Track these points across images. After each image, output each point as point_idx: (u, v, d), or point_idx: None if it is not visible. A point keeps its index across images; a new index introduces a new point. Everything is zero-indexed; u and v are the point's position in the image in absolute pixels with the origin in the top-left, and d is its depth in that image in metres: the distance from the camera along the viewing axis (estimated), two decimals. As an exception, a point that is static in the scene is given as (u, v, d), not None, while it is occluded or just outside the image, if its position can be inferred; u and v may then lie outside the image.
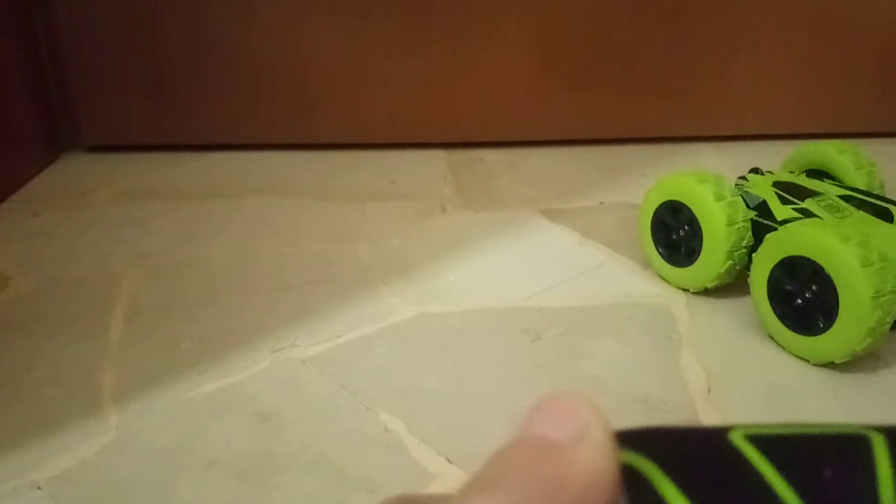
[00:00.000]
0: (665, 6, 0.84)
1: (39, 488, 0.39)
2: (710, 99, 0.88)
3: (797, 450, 0.12)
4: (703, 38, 0.86)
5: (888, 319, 0.44)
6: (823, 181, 0.61)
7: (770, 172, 0.63)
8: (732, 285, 0.57)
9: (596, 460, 0.11)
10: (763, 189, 0.56)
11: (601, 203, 0.75)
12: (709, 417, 0.44)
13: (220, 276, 0.60)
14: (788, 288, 0.48)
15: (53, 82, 0.84)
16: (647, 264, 0.61)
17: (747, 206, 0.54)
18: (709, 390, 0.46)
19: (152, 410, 0.45)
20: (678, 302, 0.56)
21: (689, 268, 0.56)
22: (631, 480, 0.12)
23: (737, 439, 0.12)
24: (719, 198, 0.53)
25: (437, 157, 0.87)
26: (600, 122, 0.89)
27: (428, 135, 0.89)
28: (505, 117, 0.89)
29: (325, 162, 0.85)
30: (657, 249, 0.59)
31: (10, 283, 0.59)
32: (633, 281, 0.60)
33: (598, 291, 0.58)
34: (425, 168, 0.84)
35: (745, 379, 0.47)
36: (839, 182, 0.62)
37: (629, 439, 0.12)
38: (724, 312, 0.55)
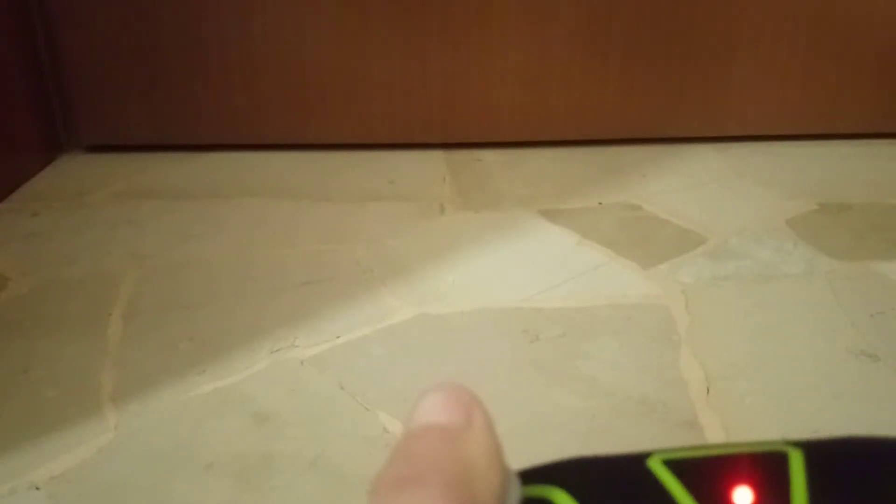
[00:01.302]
0: (664, 7, 0.84)
1: (38, 489, 0.39)
2: (709, 99, 0.88)
3: (712, 470, 0.12)
4: (702, 40, 0.86)
5: None
6: None
7: None
8: (732, 287, 0.57)
9: (488, 440, 0.12)
10: None
11: (600, 203, 0.75)
12: (708, 418, 0.44)
13: (219, 276, 0.60)
14: None
15: (52, 83, 0.84)
16: (646, 265, 0.61)
17: None
18: (708, 391, 0.46)
19: (151, 411, 0.45)
20: (677, 303, 0.56)
21: None
22: None
23: (654, 464, 0.12)
24: None
25: (435, 157, 0.87)
26: (599, 122, 0.89)
27: (427, 135, 0.89)
28: (504, 118, 0.89)
29: (323, 162, 0.85)
30: None
31: (9, 283, 0.59)
32: (633, 281, 0.60)
33: (597, 292, 0.58)
34: (424, 168, 0.84)
35: (744, 380, 0.47)
36: None
37: (539, 473, 0.13)
38: (723, 314, 0.55)
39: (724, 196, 0.76)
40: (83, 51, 0.82)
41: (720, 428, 0.43)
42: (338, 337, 0.52)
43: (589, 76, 0.87)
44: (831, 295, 0.56)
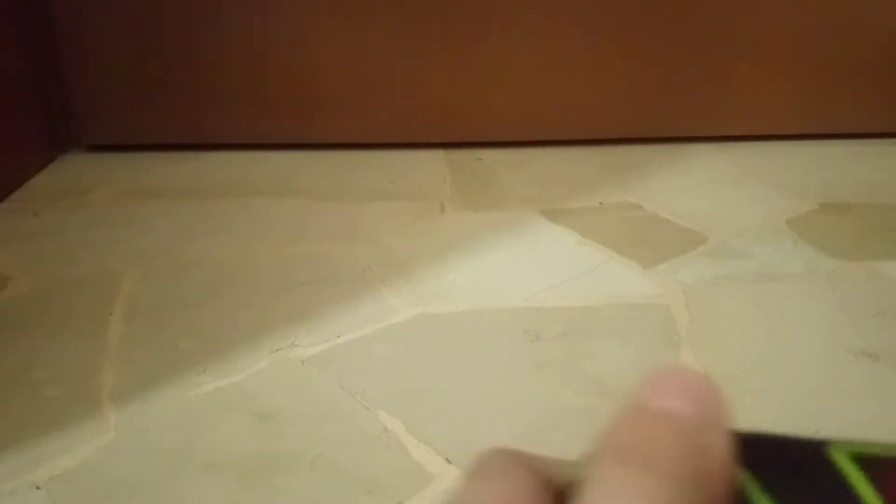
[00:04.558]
0: (668, 8, 0.84)
1: (38, 488, 0.39)
2: (711, 99, 0.88)
3: None
4: (704, 40, 0.86)
5: None
6: None
7: None
8: (733, 287, 0.57)
9: (726, 447, 0.11)
10: None
11: (601, 203, 0.75)
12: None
13: (221, 276, 0.60)
14: None
15: (53, 82, 0.84)
16: (647, 264, 0.61)
17: None
18: (708, 391, 0.46)
19: (152, 411, 0.45)
20: (678, 303, 0.56)
21: None
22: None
23: (837, 457, 0.12)
24: None
25: (436, 157, 0.87)
26: (602, 122, 0.89)
27: (428, 135, 0.89)
28: (505, 117, 0.89)
29: (325, 162, 0.85)
30: None
31: (10, 282, 0.59)
32: (633, 281, 0.60)
33: (597, 292, 0.58)
34: (425, 168, 0.84)
35: (744, 379, 0.47)
36: None
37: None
38: (723, 313, 0.55)
39: (725, 196, 0.75)
40: (84, 50, 0.82)
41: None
42: (338, 336, 0.52)
43: (591, 76, 0.87)
44: (831, 295, 0.56)
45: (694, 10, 0.84)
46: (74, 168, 0.84)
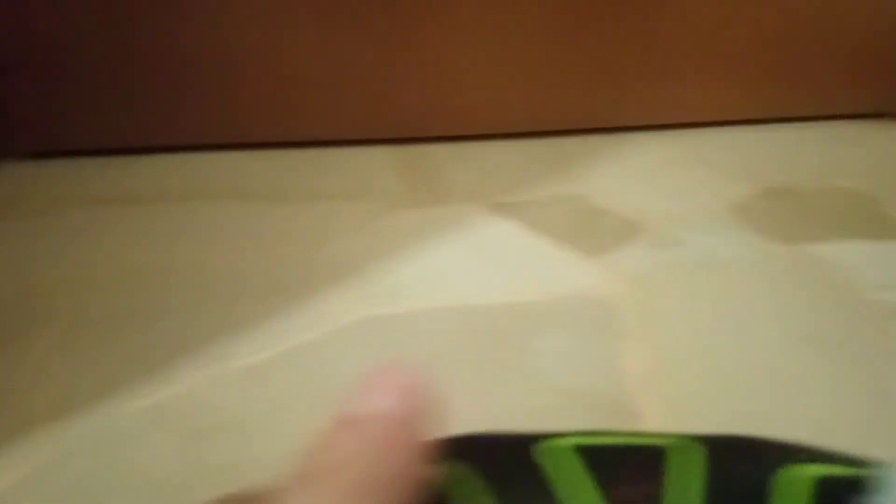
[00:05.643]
0: (607, -4, 0.84)
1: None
2: (654, 87, 0.89)
3: (617, 460, 0.13)
4: (644, 28, 0.86)
5: None
6: None
7: None
8: (676, 275, 0.58)
9: (425, 444, 0.11)
10: None
11: (549, 195, 0.75)
12: (653, 408, 0.45)
13: (162, 286, 0.59)
14: None
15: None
16: (592, 255, 0.62)
17: None
18: (651, 382, 0.47)
19: (83, 430, 0.44)
20: (622, 293, 0.57)
21: None
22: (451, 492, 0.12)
23: (552, 449, 0.13)
24: None
25: (384, 153, 0.86)
26: (549, 113, 0.89)
27: (377, 130, 0.88)
28: (453, 111, 0.88)
29: (273, 162, 0.84)
30: None
31: (-59, 301, 0.57)
32: (579, 273, 0.60)
33: (543, 285, 0.58)
34: (374, 165, 0.83)
35: (689, 369, 0.48)
36: None
37: (451, 447, 0.13)
38: (667, 302, 0.55)
39: (667, 183, 0.76)
40: (19, 49, 0.80)
41: (664, 419, 0.43)
42: (282, 344, 0.51)
43: (538, 68, 0.87)
44: (773, 280, 0.58)
45: (635, -1, 0.85)
46: (14, 176, 0.82)
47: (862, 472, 0.13)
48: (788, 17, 0.87)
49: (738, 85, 0.90)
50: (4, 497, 0.39)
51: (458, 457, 0.12)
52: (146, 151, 0.85)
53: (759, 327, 0.52)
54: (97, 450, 0.42)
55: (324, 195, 0.75)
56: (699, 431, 0.15)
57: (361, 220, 0.70)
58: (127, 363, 0.49)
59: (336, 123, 0.87)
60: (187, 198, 0.75)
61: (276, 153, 0.85)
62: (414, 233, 0.67)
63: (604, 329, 0.52)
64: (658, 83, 0.88)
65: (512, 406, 0.45)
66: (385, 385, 0.12)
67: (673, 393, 0.46)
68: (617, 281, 0.58)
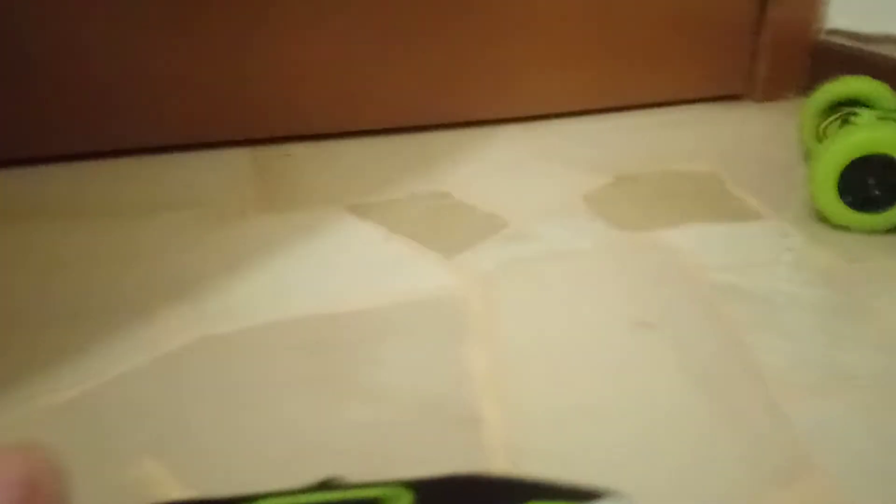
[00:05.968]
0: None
1: None
2: (509, 80, 0.89)
3: None
4: (494, 18, 0.86)
5: None
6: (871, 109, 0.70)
7: (849, 113, 0.70)
8: (527, 269, 0.58)
9: None
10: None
11: (412, 194, 0.74)
12: (490, 410, 0.44)
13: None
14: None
15: None
16: (449, 254, 0.60)
17: None
18: (494, 381, 0.46)
19: None
20: (474, 292, 0.56)
21: (888, 211, 0.62)
22: None
23: None
24: None
25: (241, 155, 0.82)
26: (409, 109, 0.88)
27: (230, 132, 0.83)
28: (311, 110, 0.85)
29: (111, 173, 0.78)
30: (844, 200, 0.62)
31: None
32: (434, 274, 0.59)
33: (397, 289, 0.56)
34: (227, 169, 0.79)
35: (528, 365, 0.47)
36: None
37: None
38: (515, 298, 0.55)
39: (527, 177, 0.77)
40: None
41: (501, 419, 0.42)
42: (103, 374, 0.47)
43: (391, 63, 0.85)
44: (617, 267, 0.58)
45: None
46: None
47: None
48: (639, 6, 0.90)
49: (589, 76, 0.91)
50: None
51: None
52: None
53: (599, 316, 0.52)
54: None
55: (168, 205, 0.70)
56: (413, 477, 0.14)
57: (208, 231, 0.66)
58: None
59: (187, 127, 0.81)
60: (6, 218, 0.68)
61: (114, 163, 0.78)
62: (266, 241, 0.64)
63: (452, 332, 0.51)
64: (517, 77, 0.89)
65: (351, 422, 0.43)
66: (7, 475, 0.10)
67: (508, 390, 0.45)
68: (470, 281, 0.57)
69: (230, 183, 0.76)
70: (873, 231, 0.63)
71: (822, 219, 0.64)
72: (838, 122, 0.70)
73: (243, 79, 0.81)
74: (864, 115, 0.69)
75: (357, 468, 0.39)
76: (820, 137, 0.73)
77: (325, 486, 0.15)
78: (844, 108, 0.73)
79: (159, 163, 0.80)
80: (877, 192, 0.61)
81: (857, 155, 0.61)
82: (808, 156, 0.76)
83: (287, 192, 0.74)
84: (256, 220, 0.68)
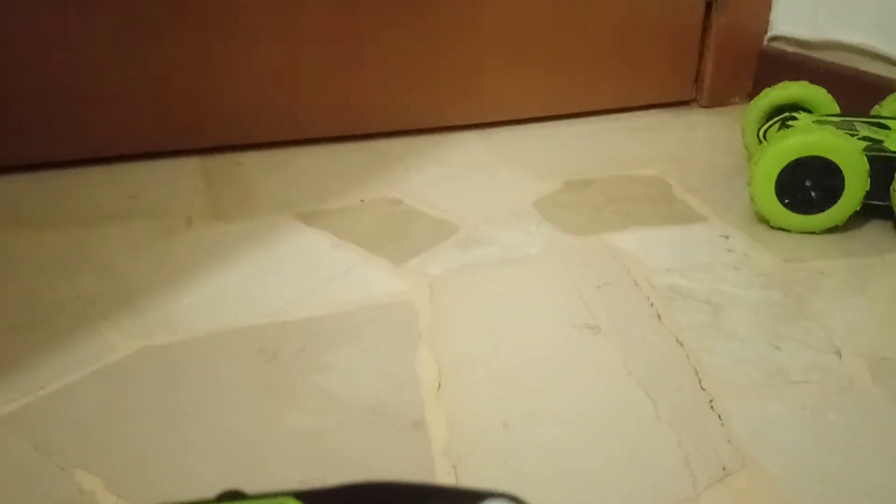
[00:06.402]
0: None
1: None
2: (464, 86, 0.90)
3: None
4: (450, 25, 0.87)
5: None
6: (810, 114, 0.74)
7: (792, 117, 0.73)
8: (476, 275, 0.58)
9: None
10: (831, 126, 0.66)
11: (362, 201, 0.73)
12: (435, 415, 0.44)
13: None
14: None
15: None
16: (399, 261, 0.60)
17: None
18: (439, 387, 0.46)
19: None
20: (423, 298, 0.56)
21: (825, 212, 0.64)
22: None
23: None
24: (856, 146, 0.62)
25: (190, 164, 0.81)
26: (361, 116, 0.88)
27: (178, 141, 0.82)
28: (261, 117, 0.84)
29: (53, 183, 0.76)
30: (782, 202, 0.64)
31: None
32: (383, 281, 0.59)
33: (344, 297, 0.56)
34: (175, 179, 0.78)
35: (474, 370, 0.48)
36: (816, 112, 0.76)
37: None
38: (464, 304, 0.55)
39: (480, 183, 0.77)
40: None
41: (445, 424, 0.43)
42: (41, 388, 0.46)
43: (343, 69, 0.85)
44: (564, 271, 0.59)
45: (437, 2, 0.85)
46: None
47: None
48: (590, 15, 0.91)
49: (545, 83, 0.92)
50: None
51: None
52: None
53: (546, 321, 0.53)
54: None
55: (115, 216, 0.69)
56: (303, 487, 0.14)
57: (155, 241, 0.65)
58: None
59: (134, 135, 0.80)
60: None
61: (56, 174, 0.77)
62: (213, 250, 0.63)
63: (400, 339, 0.51)
64: (473, 84, 0.89)
65: (295, 430, 0.42)
66: None
67: (453, 396, 0.45)
68: (418, 287, 0.57)
69: (178, 192, 0.75)
70: (812, 232, 0.64)
71: (763, 221, 0.66)
72: (777, 125, 0.72)
73: (193, 88, 0.80)
74: (802, 119, 0.71)
75: (299, 475, 0.39)
76: (761, 141, 0.75)
77: (223, 498, 0.15)
78: (784, 113, 0.75)
79: (107, 173, 0.78)
80: (814, 194, 0.63)
81: (794, 157, 0.63)
82: (750, 159, 0.78)
83: (235, 200, 0.74)
84: (203, 230, 0.68)
